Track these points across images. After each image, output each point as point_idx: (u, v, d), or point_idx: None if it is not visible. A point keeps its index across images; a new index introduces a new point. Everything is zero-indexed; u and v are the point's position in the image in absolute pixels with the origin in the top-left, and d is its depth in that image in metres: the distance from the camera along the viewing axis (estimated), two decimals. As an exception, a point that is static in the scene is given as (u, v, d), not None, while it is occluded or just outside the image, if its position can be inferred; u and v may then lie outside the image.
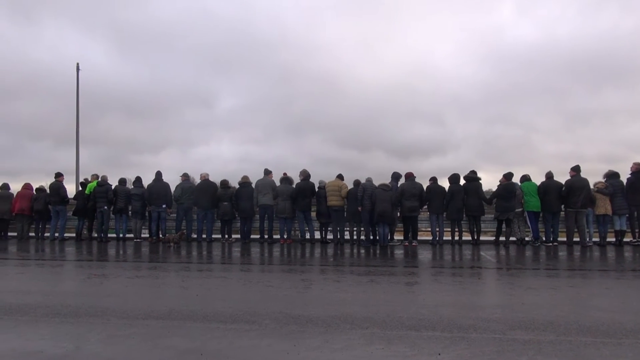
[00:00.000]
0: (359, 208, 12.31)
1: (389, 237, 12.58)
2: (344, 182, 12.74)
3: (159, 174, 13.52)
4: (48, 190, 14.20)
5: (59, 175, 14.18)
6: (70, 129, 24.29)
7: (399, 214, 12.71)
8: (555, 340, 4.41)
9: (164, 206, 13.25)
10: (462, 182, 12.67)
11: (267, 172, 13.32)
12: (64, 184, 14.32)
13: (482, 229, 12.86)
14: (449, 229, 12.86)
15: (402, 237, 12.99)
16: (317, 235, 13.39)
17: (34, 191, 14.26)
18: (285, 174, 13.49)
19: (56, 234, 13.81)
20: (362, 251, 11.56)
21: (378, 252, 11.42)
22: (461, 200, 12.45)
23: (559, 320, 5.09)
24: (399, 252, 11.31)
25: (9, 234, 14.42)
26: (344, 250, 11.68)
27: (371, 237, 12.57)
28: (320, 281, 7.84)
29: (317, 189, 12.95)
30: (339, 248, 12.04)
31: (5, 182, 14.41)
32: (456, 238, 12.72)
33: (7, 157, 59.24)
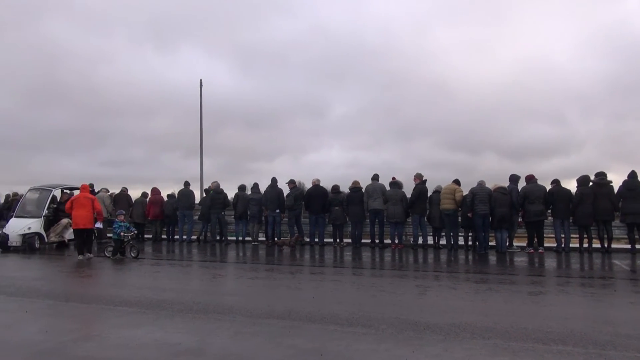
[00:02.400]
0: (469, 214, 11.77)
1: (507, 243, 11.87)
2: (459, 186, 12.28)
3: (274, 181, 14.18)
4: (177, 197, 15.56)
5: (187, 184, 15.50)
6: (197, 141, 26.46)
7: (520, 218, 11.94)
8: None
9: (277, 211, 13.86)
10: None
11: (376, 177, 13.33)
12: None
13: (613, 236, 11.60)
14: (575, 236, 11.78)
15: (523, 244, 12.17)
16: (430, 240, 13.08)
17: (166, 197, 15.67)
18: (394, 178, 13.39)
19: (184, 237, 15.08)
20: (478, 258, 11.05)
21: (496, 259, 10.83)
22: (591, 204, 11.33)
23: None
24: (519, 260, 10.62)
25: (145, 236, 16.05)
26: (458, 257, 11.27)
27: (485, 244, 11.91)
28: (435, 288, 7.64)
29: (431, 193, 12.67)
30: (452, 254, 11.64)
31: (145, 190, 16.04)
32: (585, 245, 11.61)
33: (145, 167, 67.90)
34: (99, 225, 12.84)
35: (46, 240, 13.45)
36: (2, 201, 18.11)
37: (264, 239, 14.41)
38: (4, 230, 13.57)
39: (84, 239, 11.35)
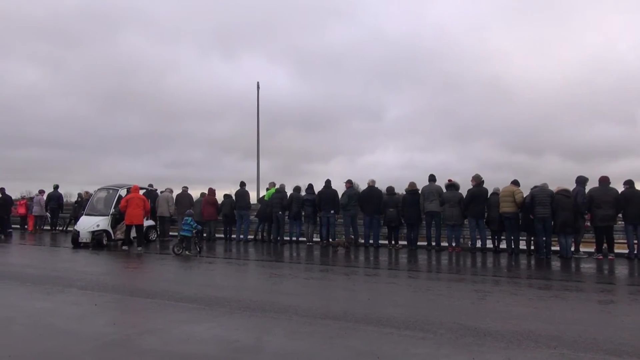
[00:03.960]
0: (530, 216, 11.25)
1: (572, 249, 11.25)
2: (519, 188, 11.76)
3: (328, 182, 14.22)
4: (234, 197, 15.93)
5: (243, 184, 15.85)
6: (255, 143, 26.99)
7: (588, 223, 11.29)
8: None
9: (332, 212, 13.88)
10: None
11: (432, 178, 13.06)
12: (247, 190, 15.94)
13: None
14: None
15: (591, 249, 11.50)
16: (489, 243, 12.65)
17: (223, 197, 16.08)
18: (450, 180, 13.06)
19: (241, 236, 15.41)
20: (540, 263, 10.55)
21: (560, 265, 10.31)
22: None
23: None
24: (586, 266, 10.05)
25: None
26: (519, 261, 10.81)
27: (547, 249, 11.32)
28: (495, 293, 7.36)
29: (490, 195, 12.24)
30: (513, 258, 11.19)
31: (203, 191, 16.53)
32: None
33: (206, 168, 71.23)
34: (147, 222, 14.43)
35: (113, 237, 14.17)
36: (75, 200, 19.30)
37: (319, 239, 14.48)
38: (75, 227, 14.46)
39: (130, 232, 13.11)
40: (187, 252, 11.82)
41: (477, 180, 12.32)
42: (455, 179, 13.00)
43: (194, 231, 12.11)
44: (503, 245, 12.31)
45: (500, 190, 12.02)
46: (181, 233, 12.11)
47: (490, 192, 12.32)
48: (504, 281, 8.49)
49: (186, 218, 12.29)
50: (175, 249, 11.97)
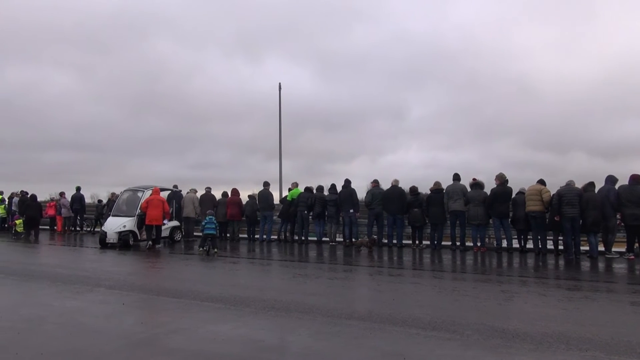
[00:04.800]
0: (555, 218, 10.99)
1: (603, 248, 10.96)
2: (545, 187, 11.52)
3: (347, 181, 14.23)
4: (257, 198, 16.00)
5: (267, 184, 15.92)
6: (277, 144, 27.08)
7: (619, 222, 10.99)
8: None
9: (351, 211, 13.85)
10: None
11: (457, 177, 12.90)
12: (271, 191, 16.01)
13: None
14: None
15: (622, 249, 11.20)
16: (515, 243, 12.44)
17: (247, 197, 16.20)
18: (474, 179, 12.88)
19: (264, 236, 15.49)
20: (568, 263, 10.32)
21: (589, 265, 10.06)
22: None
23: None
24: (618, 267, 9.79)
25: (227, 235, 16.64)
26: (546, 261, 10.59)
27: (575, 248, 11.05)
28: (523, 294, 7.23)
29: (515, 194, 12.02)
30: (540, 258, 10.96)
31: (225, 190, 16.69)
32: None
33: (230, 169, 72.42)
34: (172, 223, 15.31)
35: (139, 237, 14.41)
36: (105, 202, 19.68)
37: (342, 239, 14.45)
38: (102, 228, 14.76)
39: (151, 232, 13.63)
40: (215, 250, 12.10)
41: (501, 179, 12.11)
42: (479, 178, 12.85)
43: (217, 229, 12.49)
44: (529, 245, 12.08)
45: (526, 189, 11.80)
46: (206, 232, 12.31)
47: (515, 191, 12.10)
48: (532, 282, 8.33)
49: (210, 217, 12.57)
50: (202, 248, 12.21)
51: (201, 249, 12.20)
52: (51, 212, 19.49)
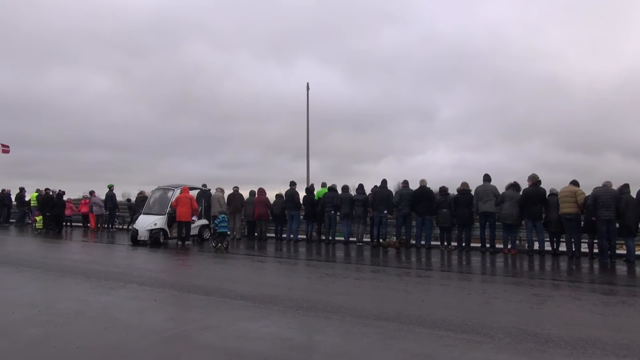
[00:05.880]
0: (593, 218, 10.68)
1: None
2: (579, 188, 11.19)
3: (384, 182, 14.20)
4: (284, 197, 16.08)
5: (293, 184, 15.99)
6: (305, 144, 27.16)
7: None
8: None
9: (385, 212, 13.78)
10: None
11: (487, 178, 12.68)
12: (297, 190, 16.07)
13: None
14: None
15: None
16: (547, 246, 12.15)
17: (275, 197, 16.31)
18: (515, 182, 12.62)
19: (291, 235, 15.56)
20: (604, 267, 10.02)
21: (626, 269, 9.75)
22: None
23: None
24: (655, 271, 9.46)
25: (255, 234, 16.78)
26: (580, 265, 10.31)
27: (611, 252, 10.70)
28: (556, 297, 7.06)
29: (547, 196, 11.74)
30: (574, 262, 10.68)
31: (253, 189, 16.83)
32: None
33: (258, 168, 73.48)
34: (201, 221, 15.69)
35: (169, 235, 14.68)
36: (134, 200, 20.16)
37: (369, 239, 14.40)
38: (134, 226, 15.10)
39: (182, 229, 14.33)
40: (226, 245, 12.85)
41: (534, 180, 11.83)
42: (513, 179, 12.62)
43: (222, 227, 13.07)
44: (562, 248, 11.78)
45: (559, 190, 11.51)
46: (219, 230, 12.92)
47: (547, 192, 11.82)
48: (565, 285, 8.12)
49: (222, 216, 13.23)
50: (221, 244, 12.78)
51: (219, 244, 12.73)
52: (84, 209, 20.04)
